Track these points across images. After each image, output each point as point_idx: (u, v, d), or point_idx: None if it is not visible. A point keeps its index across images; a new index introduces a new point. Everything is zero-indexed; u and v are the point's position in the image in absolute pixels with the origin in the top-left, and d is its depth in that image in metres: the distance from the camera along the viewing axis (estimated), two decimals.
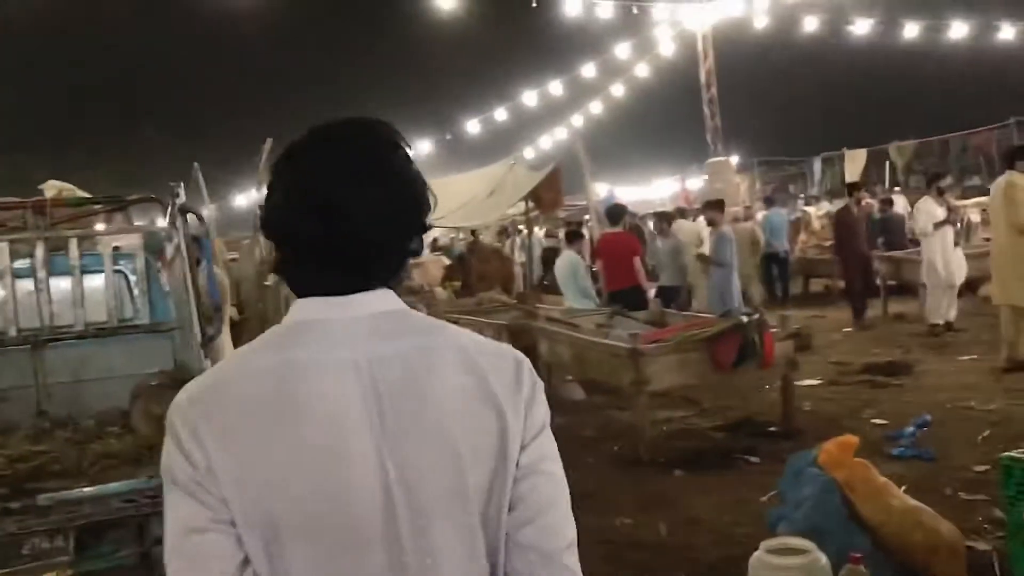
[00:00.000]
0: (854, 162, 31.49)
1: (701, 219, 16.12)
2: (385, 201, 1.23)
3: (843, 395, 7.54)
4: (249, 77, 40.51)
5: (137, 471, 3.74)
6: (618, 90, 28.32)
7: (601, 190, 25.10)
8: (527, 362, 1.33)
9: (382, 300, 1.26)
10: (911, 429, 6.16)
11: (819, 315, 12.59)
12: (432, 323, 1.30)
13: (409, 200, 1.27)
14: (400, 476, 1.18)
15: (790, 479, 4.30)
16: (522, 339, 8.52)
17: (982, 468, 5.35)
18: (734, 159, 27.63)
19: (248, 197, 19.90)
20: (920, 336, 10.08)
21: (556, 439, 1.34)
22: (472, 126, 27.52)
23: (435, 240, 22.50)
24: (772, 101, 40.57)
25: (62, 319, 5.47)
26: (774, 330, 6.28)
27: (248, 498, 1.15)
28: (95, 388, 5.32)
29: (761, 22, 25.45)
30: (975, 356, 8.62)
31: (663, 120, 38.43)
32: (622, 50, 26.71)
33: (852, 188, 12.37)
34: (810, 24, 25.57)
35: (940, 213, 9.88)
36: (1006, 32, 25.83)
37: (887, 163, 30.02)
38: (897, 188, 24.89)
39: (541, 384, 1.32)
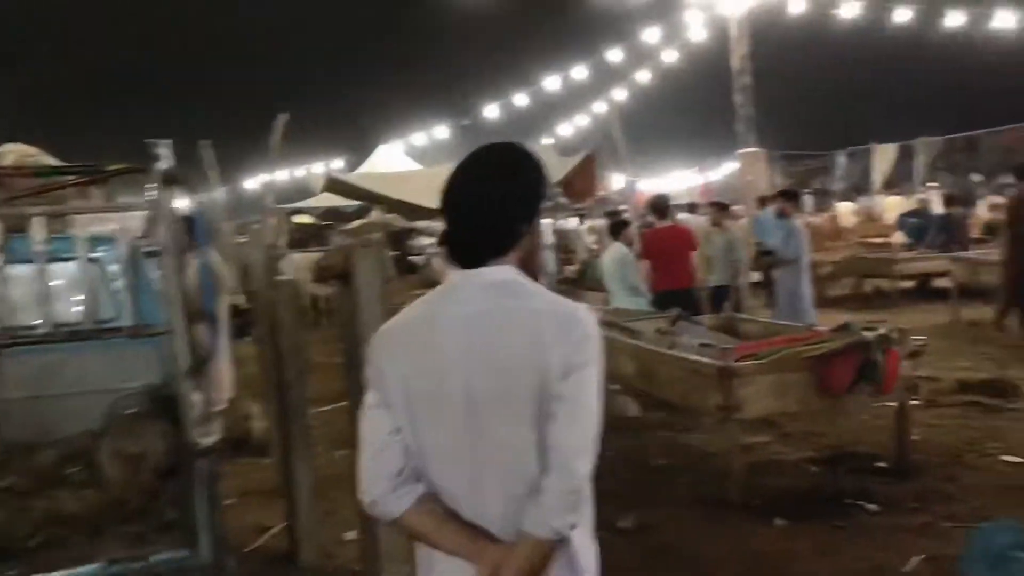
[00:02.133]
0: (883, 157, 30.28)
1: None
2: (486, 203, 1.87)
3: (951, 421, 6.42)
4: (264, 55, 39.35)
5: (94, 548, 2.66)
6: (642, 76, 27.10)
7: (620, 181, 24.01)
8: (583, 324, 1.83)
9: (497, 272, 1.87)
10: None
11: (880, 320, 11.43)
12: (527, 291, 1.86)
13: (506, 199, 1.88)
14: (476, 388, 1.80)
15: (982, 560, 3.20)
16: None
17: None
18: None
19: (260, 178, 18.76)
20: (1009, 347, 8.96)
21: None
22: (491, 111, 26.33)
23: None
24: (796, 92, 39.25)
25: (24, 318, 4.41)
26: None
27: (399, 390, 1.85)
28: (64, 405, 4.23)
29: (795, 7, 24.16)
30: None
31: (684, 110, 37.19)
32: (649, 34, 25.50)
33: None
34: (849, 10, 24.23)
35: None
36: None
37: (918, 159, 28.82)
38: (935, 184, 23.73)
39: (589, 338, 1.82)
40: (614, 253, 8.55)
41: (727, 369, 4.96)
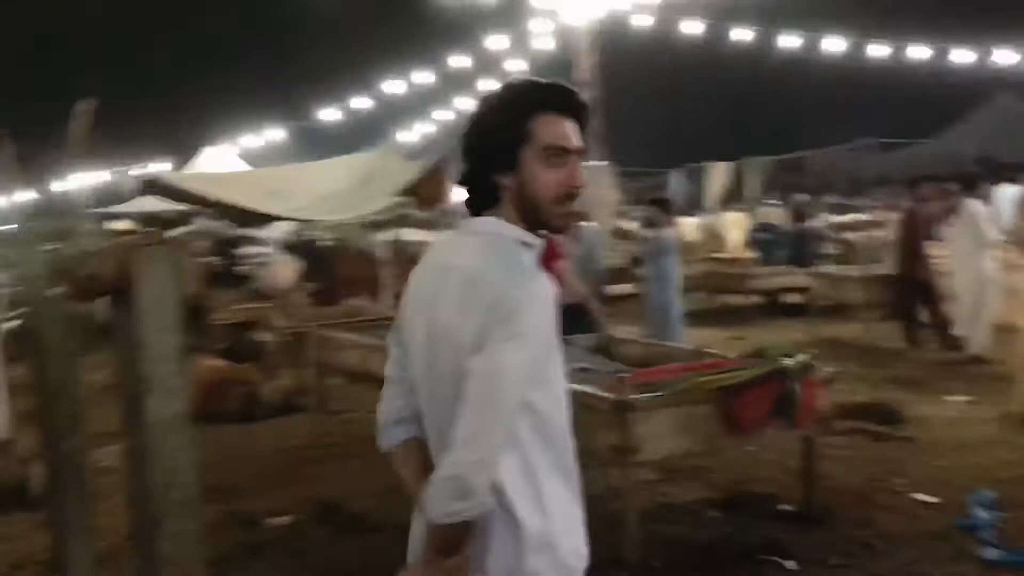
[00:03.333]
0: (717, 176, 31.05)
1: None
2: (463, 155, 1.84)
3: (845, 452, 5.85)
4: (79, 43, 36.11)
5: None
6: (488, 85, 26.46)
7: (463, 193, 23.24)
8: (505, 292, 1.70)
9: (478, 224, 1.86)
10: (984, 515, 4.51)
11: (739, 336, 11.11)
12: (485, 248, 1.80)
13: (472, 149, 1.84)
14: (429, 336, 1.81)
15: None
16: None
17: None
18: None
19: (77, 179, 16.63)
20: (873, 366, 8.68)
21: None
22: (330, 114, 24.98)
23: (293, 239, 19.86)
24: (635, 109, 39.80)
25: None
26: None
27: (404, 333, 1.93)
28: None
29: (639, 21, 24.19)
30: (968, 398, 7.19)
31: None
32: (495, 42, 24.94)
33: (915, 183, 10.06)
34: (689, 28, 24.50)
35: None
36: (875, 51, 25.61)
37: (750, 178, 29.62)
38: (775, 203, 24.27)
39: (512, 311, 1.68)
40: None
41: (624, 403, 4.13)
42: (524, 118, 1.78)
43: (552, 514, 1.81)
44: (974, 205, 8.62)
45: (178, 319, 2.08)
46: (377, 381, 6.89)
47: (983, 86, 26.14)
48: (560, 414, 1.88)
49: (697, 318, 13.31)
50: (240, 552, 4.72)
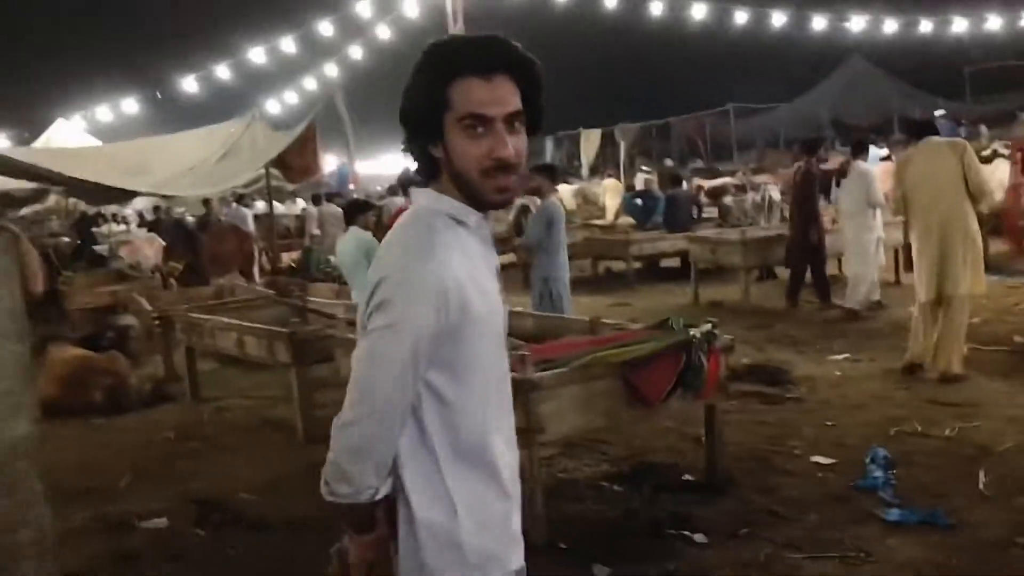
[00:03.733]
0: (589, 142, 31.39)
1: None
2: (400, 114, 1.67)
3: (739, 417, 5.83)
4: None
5: None
6: (355, 52, 25.67)
7: (331, 163, 22.56)
8: (378, 272, 1.61)
9: (415, 195, 1.72)
10: (879, 474, 4.56)
11: (622, 302, 11.15)
12: (408, 222, 1.69)
13: (403, 113, 1.66)
14: None
15: None
16: (309, 353, 6.11)
17: None
18: None
19: None
20: (758, 329, 8.80)
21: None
22: (189, 84, 23.68)
23: (149, 213, 18.81)
24: None
25: None
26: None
27: None
28: None
29: None
30: (850, 356, 7.34)
31: (398, 89, 36.21)
32: (361, 8, 24.15)
33: (812, 145, 9.91)
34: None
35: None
36: (738, 18, 26.16)
37: (619, 144, 30.01)
38: (646, 169, 24.58)
39: (388, 297, 1.57)
40: (355, 240, 7.24)
41: (527, 383, 3.93)
42: (442, 84, 1.60)
43: (458, 512, 1.67)
44: (864, 166, 8.90)
45: (22, 324, 1.71)
46: (252, 364, 6.46)
47: (839, 52, 27.17)
48: (476, 405, 1.68)
49: (579, 285, 13.30)
50: (112, 560, 4.34)
